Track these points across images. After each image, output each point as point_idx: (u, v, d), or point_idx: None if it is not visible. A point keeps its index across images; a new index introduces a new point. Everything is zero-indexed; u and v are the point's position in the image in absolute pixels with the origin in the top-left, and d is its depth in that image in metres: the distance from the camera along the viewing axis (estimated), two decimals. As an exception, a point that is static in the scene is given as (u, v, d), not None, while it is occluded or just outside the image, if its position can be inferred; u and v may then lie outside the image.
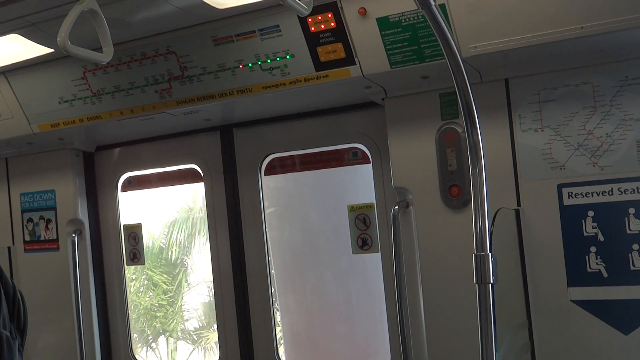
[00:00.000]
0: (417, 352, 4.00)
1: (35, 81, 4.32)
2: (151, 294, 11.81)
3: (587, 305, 3.43)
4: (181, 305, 12.15)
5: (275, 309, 4.80)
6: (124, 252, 5.19)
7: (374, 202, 4.29)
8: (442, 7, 3.17)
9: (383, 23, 3.40)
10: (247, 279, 4.74)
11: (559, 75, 3.48)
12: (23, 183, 5.15)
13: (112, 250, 5.24)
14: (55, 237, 5.02)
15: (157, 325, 11.83)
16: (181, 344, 12.27)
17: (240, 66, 3.81)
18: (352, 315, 5.17)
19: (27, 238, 5.13)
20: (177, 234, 11.87)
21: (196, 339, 12.10)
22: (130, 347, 5.23)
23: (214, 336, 10.98)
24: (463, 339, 3.55)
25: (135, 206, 5.50)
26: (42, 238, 5.07)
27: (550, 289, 3.51)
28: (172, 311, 12.13)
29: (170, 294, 11.90)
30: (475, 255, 2.33)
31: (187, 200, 11.89)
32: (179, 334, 12.09)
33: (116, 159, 5.23)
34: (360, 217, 4.29)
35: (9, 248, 5.17)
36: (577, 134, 3.45)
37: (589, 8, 2.99)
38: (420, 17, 3.32)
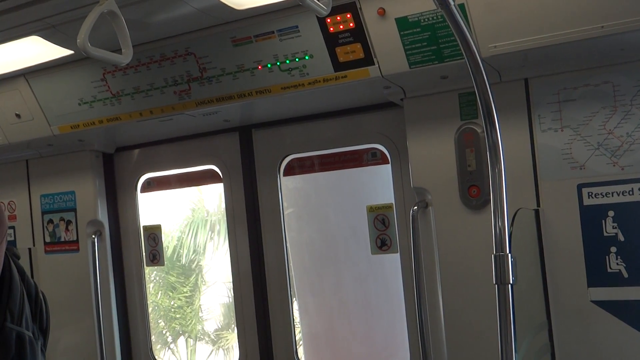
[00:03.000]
0: (437, 353, 3.99)
1: (55, 83, 4.35)
2: (170, 294, 11.83)
3: (608, 305, 3.42)
4: (199, 306, 12.17)
5: (294, 310, 4.79)
6: (143, 253, 5.21)
7: (393, 202, 4.28)
8: (462, 6, 3.16)
9: (402, 23, 3.40)
10: (266, 280, 4.74)
11: (579, 74, 3.46)
12: (43, 184, 5.18)
13: (131, 251, 5.26)
14: (75, 238, 5.05)
15: (176, 327, 11.85)
16: (200, 345, 12.29)
17: (259, 67, 3.81)
18: (371, 316, 5.17)
19: (48, 239, 5.16)
20: (192, 236, 11.88)
21: (215, 340, 12.11)
22: (150, 348, 5.25)
23: (233, 337, 11.00)
24: (482, 339, 3.54)
25: (154, 207, 5.51)
26: (63, 239, 5.10)
27: (570, 289, 3.49)
28: (190, 312, 12.14)
29: (187, 295, 11.91)
30: (495, 256, 2.32)
31: (200, 203, 11.89)
32: (198, 335, 12.10)
33: (135, 160, 5.25)
34: (379, 217, 4.29)
35: (29, 249, 5.20)
36: (597, 133, 3.43)
37: (609, 7, 2.98)
38: (439, 17, 3.31)
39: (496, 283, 2.31)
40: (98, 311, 4.94)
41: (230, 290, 8.96)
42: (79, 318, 5.03)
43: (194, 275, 12.02)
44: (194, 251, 11.91)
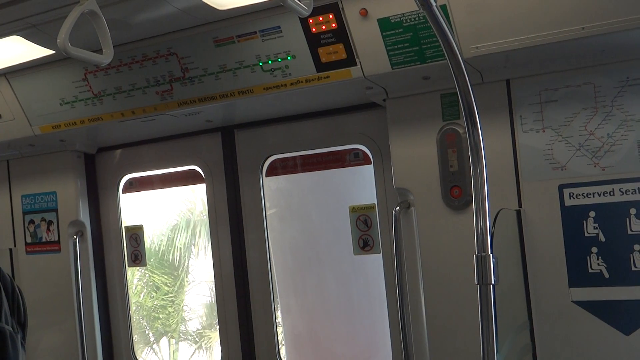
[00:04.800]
0: (419, 353, 4.00)
1: (36, 83, 4.32)
2: (153, 294, 11.80)
3: (589, 305, 3.43)
4: (183, 306, 12.16)
5: (276, 310, 4.79)
6: (125, 253, 5.19)
7: (375, 203, 4.29)
8: (443, 7, 3.17)
9: (384, 24, 3.40)
10: (248, 280, 4.74)
11: (560, 75, 3.48)
12: (24, 185, 5.15)
13: (113, 252, 5.24)
14: (56, 238, 5.02)
15: (159, 327, 11.82)
16: (183, 344, 12.27)
17: (243, 67, 3.80)
18: (354, 316, 5.16)
19: (29, 240, 5.13)
20: (179, 236, 11.86)
21: (198, 339, 12.10)
22: (132, 349, 5.23)
23: (215, 335, 11.00)
24: (464, 339, 3.55)
25: (136, 208, 5.49)
26: (44, 240, 5.07)
27: (552, 289, 3.51)
28: (173, 312, 12.12)
29: (172, 295, 11.90)
30: (477, 256, 2.33)
31: (187, 203, 11.86)
32: (181, 334, 12.09)
33: (117, 160, 5.23)
34: (361, 218, 4.29)
35: (10, 250, 5.18)
36: (579, 134, 3.44)
37: (590, 9, 2.99)
38: (421, 17, 3.32)
39: (478, 283, 2.32)
40: (79, 312, 4.91)
41: (212, 290, 8.96)
42: (61, 319, 5.01)
43: (180, 275, 11.99)
44: (181, 250, 11.90)
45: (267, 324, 4.70)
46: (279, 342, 4.77)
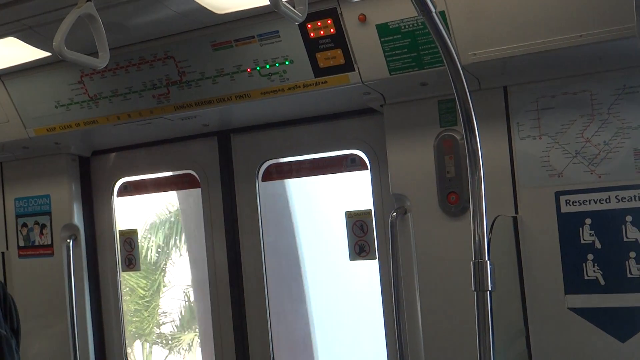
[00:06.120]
0: (414, 359, 3.99)
1: (31, 85, 4.31)
2: (127, 298, 11.76)
3: (584, 312, 3.43)
4: (157, 310, 12.14)
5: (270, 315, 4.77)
6: (119, 258, 5.17)
7: (372, 208, 4.28)
8: (442, 14, 3.17)
9: (383, 30, 3.40)
10: (243, 285, 4.72)
11: (557, 83, 3.48)
12: (18, 188, 5.13)
13: (107, 256, 5.21)
14: (50, 242, 5.00)
15: (132, 330, 11.79)
16: (156, 347, 12.27)
17: (241, 71, 3.80)
18: (349, 322, 5.16)
19: (22, 243, 5.11)
20: (156, 237, 11.80)
21: (171, 342, 12.09)
22: (125, 353, 5.21)
23: (186, 337, 11.06)
24: (461, 346, 3.54)
25: (131, 212, 5.48)
26: (37, 243, 5.04)
27: (548, 296, 3.50)
28: (148, 316, 12.09)
29: (147, 299, 11.86)
30: (474, 263, 2.33)
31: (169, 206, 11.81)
32: (155, 338, 12.08)
33: (112, 164, 5.21)
34: (357, 223, 4.28)
35: (3, 253, 5.15)
36: (575, 141, 3.45)
37: (588, 16, 3.00)
38: (419, 23, 3.32)
39: (475, 290, 2.32)
40: (72, 316, 4.88)
41: (186, 294, 8.97)
42: (53, 323, 4.98)
43: (158, 279, 11.96)
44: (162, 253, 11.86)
45: (261, 328, 4.68)
46: (274, 348, 4.74)
